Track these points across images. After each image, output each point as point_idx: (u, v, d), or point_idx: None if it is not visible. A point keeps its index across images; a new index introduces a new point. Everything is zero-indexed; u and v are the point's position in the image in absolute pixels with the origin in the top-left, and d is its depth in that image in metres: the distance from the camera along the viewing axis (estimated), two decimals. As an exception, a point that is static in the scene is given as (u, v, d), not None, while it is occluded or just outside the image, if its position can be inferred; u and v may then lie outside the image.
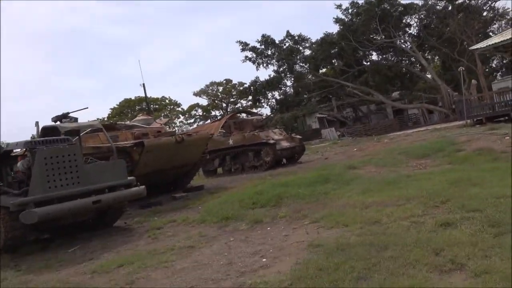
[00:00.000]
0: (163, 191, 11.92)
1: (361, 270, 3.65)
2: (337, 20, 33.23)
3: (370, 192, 7.57)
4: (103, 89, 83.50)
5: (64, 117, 8.13)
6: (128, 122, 13.18)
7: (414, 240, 4.20)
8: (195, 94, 62.87)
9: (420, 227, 4.73)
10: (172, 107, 62.72)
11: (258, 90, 34.37)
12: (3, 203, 6.55)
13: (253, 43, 32.56)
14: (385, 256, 3.90)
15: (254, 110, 46.71)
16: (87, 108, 8.31)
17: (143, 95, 46.62)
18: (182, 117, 62.80)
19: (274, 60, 32.82)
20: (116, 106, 58.87)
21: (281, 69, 33.47)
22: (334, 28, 34.02)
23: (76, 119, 8.51)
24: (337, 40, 32.85)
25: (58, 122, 8.15)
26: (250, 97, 38.33)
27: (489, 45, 11.17)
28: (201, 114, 63.16)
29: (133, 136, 11.04)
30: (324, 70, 36.91)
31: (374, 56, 36.10)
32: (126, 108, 57.94)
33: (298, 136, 16.34)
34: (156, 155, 10.28)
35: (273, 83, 33.64)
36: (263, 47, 32.26)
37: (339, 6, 33.18)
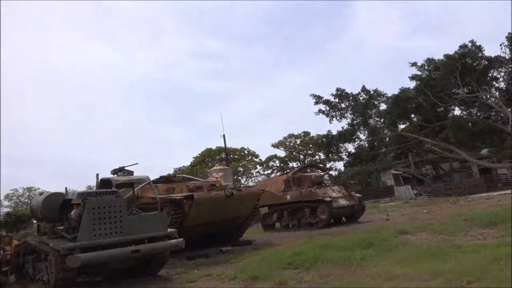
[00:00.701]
0: (216, 243, 12.31)
1: None
2: (413, 77, 32.51)
3: (407, 262, 7.17)
4: (191, 138, 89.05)
5: (120, 170, 9.05)
6: (185, 175, 13.98)
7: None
8: (274, 146, 64.10)
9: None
10: (250, 157, 64.49)
11: (330, 142, 34.24)
12: (56, 246, 7.39)
13: (327, 96, 33.05)
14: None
15: (328, 164, 46.34)
16: (137, 163, 8.94)
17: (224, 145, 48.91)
18: (259, 167, 63.92)
19: (348, 113, 32.78)
20: (198, 155, 62.10)
21: (355, 122, 33.19)
22: (411, 83, 33.06)
23: (132, 173, 9.42)
24: (414, 95, 31.93)
25: (114, 175, 9.10)
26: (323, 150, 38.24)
27: None
28: (278, 165, 63.89)
29: (188, 188, 11.75)
30: (402, 126, 35.78)
31: (457, 111, 34.29)
32: (207, 157, 60.80)
33: (358, 195, 15.89)
34: (205, 208, 10.80)
35: (346, 136, 33.37)
36: (337, 100, 32.50)
37: (414, 64, 32.55)
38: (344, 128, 33.64)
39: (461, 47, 31.07)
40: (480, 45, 30.85)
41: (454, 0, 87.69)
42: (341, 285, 6.08)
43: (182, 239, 8.34)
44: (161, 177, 12.36)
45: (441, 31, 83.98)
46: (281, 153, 62.75)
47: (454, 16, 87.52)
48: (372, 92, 32.50)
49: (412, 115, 34.98)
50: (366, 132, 35.07)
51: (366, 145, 34.97)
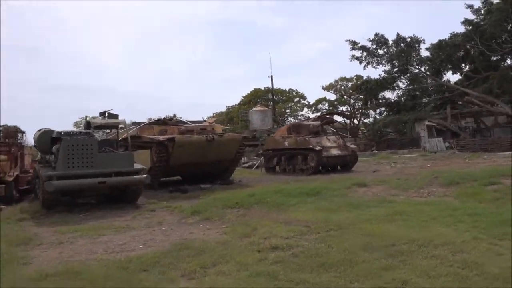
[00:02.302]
0: (207, 181, 13.84)
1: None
2: (466, 22, 30.23)
3: (322, 210, 8.08)
4: (251, 75, 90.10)
5: (103, 114, 10.54)
6: (181, 118, 15.32)
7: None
8: (324, 88, 63.35)
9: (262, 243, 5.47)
10: (298, 99, 64.47)
11: (369, 89, 33.62)
12: (42, 173, 9.21)
13: (364, 42, 31.99)
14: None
15: (368, 111, 45.32)
16: (112, 109, 10.32)
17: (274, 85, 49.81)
18: (306, 110, 63.63)
19: (384, 61, 31.69)
20: (248, 94, 63.17)
21: (395, 69, 32.11)
22: (456, 30, 30.83)
23: (117, 116, 10.89)
24: (461, 43, 29.97)
25: (99, 117, 10.64)
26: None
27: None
28: (327, 108, 63.42)
29: (179, 131, 13.12)
30: (449, 74, 33.95)
31: (509, 62, 31.75)
32: (255, 97, 61.80)
33: (353, 146, 16.42)
34: (187, 150, 12.17)
35: (384, 84, 32.56)
36: (374, 46, 31.41)
37: (470, 6, 30.11)
38: (382, 75, 32.77)
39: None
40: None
41: None
42: (245, 222, 7.23)
43: (146, 175, 9.82)
44: (158, 120, 13.83)
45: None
46: (332, 96, 61.87)
47: None
48: (408, 40, 30.87)
49: (460, 64, 33.03)
50: (407, 81, 33.89)
51: (405, 94, 33.89)
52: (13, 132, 12.86)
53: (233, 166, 14.16)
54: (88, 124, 10.24)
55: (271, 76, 56.95)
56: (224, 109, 63.23)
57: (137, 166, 9.95)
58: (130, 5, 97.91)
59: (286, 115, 61.87)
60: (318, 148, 15.11)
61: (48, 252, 5.99)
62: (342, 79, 59.52)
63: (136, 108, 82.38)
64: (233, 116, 57.27)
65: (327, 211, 7.91)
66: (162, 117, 15.12)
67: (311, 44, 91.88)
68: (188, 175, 13.61)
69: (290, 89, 63.70)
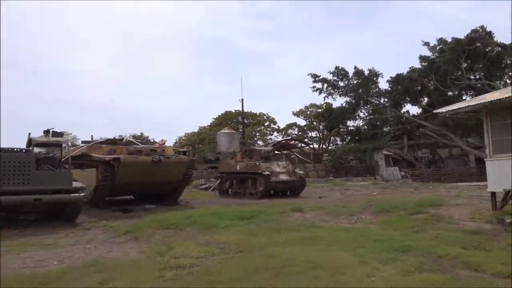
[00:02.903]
0: (155, 201, 14.08)
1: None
2: (422, 58, 32.05)
3: (248, 234, 8.48)
4: (232, 95, 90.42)
5: (47, 131, 10.74)
6: (130, 139, 15.61)
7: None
8: (294, 114, 64.53)
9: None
10: (268, 123, 65.40)
11: (331, 118, 34.80)
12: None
13: (325, 74, 33.44)
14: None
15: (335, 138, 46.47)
16: (53, 128, 10.53)
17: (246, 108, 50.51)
18: (276, 134, 64.44)
19: (345, 92, 33.12)
20: (219, 115, 63.55)
21: (354, 100, 33.45)
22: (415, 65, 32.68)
23: (61, 134, 11.10)
24: (417, 77, 31.63)
25: (45, 135, 10.83)
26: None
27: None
28: (296, 133, 64.38)
29: (128, 151, 13.38)
30: (407, 106, 35.57)
31: (465, 98, 33.58)
32: (225, 119, 62.27)
33: (301, 172, 17.06)
34: (132, 170, 12.43)
35: (345, 114, 33.84)
36: (335, 78, 32.79)
37: (426, 43, 31.99)
38: (343, 105, 34.03)
39: (473, 31, 30.18)
40: (490, 31, 29.91)
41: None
42: (168, 242, 7.55)
43: (83, 194, 10.03)
44: (108, 139, 14.06)
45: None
46: (302, 121, 62.92)
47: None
48: (367, 73, 32.44)
49: (418, 97, 34.69)
50: (368, 111, 35.28)
51: (366, 123, 35.23)
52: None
53: (181, 188, 14.46)
54: (29, 142, 10.41)
55: (242, 100, 57.72)
56: (196, 129, 63.40)
57: (76, 184, 10.14)
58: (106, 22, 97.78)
59: (255, 139, 62.51)
60: (266, 173, 15.63)
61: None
62: (312, 105, 60.84)
63: (117, 123, 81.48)
64: (204, 137, 57.53)
65: (250, 234, 8.31)
66: (120, 136, 15.39)
67: (287, 70, 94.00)
68: (136, 195, 13.81)
69: (261, 112, 64.52)
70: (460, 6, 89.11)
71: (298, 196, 16.66)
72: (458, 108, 10.21)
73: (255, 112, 64.70)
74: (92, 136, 14.57)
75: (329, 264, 5.67)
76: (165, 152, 14.19)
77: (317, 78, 32.68)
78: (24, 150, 9.72)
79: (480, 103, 10.01)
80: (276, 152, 34.47)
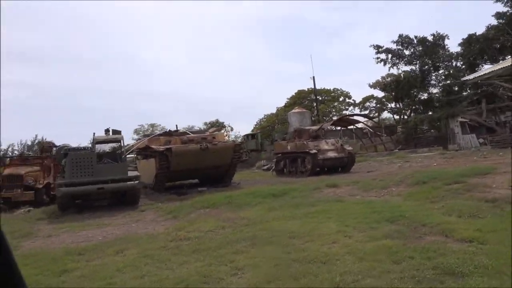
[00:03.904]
0: (214, 183, 15.64)
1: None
2: (497, 15, 29.31)
3: (270, 210, 9.42)
4: (306, 73, 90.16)
5: (107, 130, 12.67)
6: (186, 130, 17.14)
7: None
8: (371, 86, 62.77)
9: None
10: (343, 98, 64.30)
11: (400, 88, 33.54)
12: (56, 181, 11.48)
13: (388, 44, 32.10)
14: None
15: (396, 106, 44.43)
16: (121, 131, 12.37)
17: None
18: (353, 108, 62.98)
19: (412, 60, 31.54)
20: (293, 95, 64.20)
21: (425, 67, 31.80)
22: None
23: (119, 132, 12.98)
24: (494, 35, 29.06)
25: (106, 133, 12.79)
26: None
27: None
28: (374, 105, 62.42)
29: (181, 141, 14.99)
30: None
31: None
32: (298, 98, 62.66)
33: (349, 148, 17.27)
34: (183, 158, 13.99)
35: (413, 82, 32.40)
36: (399, 47, 31.39)
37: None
38: (413, 74, 32.52)
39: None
40: None
41: None
42: (196, 219, 8.83)
43: (137, 181, 11.75)
44: (165, 132, 15.82)
45: None
46: (380, 93, 60.93)
47: None
48: (432, 38, 30.42)
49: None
50: (443, 76, 33.31)
51: (441, 90, 33.32)
52: (47, 147, 15.52)
53: (232, 170, 15.75)
54: (94, 139, 12.42)
55: (313, 77, 57.66)
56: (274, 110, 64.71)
57: (131, 173, 11.92)
58: (176, 9, 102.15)
59: (331, 115, 62.00)
60: (313, 151, 16.24)
61: (36, 243, 8.01)
62: (390, 75, 58.43)
63: (195, 110, 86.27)
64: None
65: (270, 210, 9.25)
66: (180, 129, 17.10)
67: (360, 41, 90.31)
68: (200, 178, 15.47)
69: (334, 88, 63.64)
70: None
71: (349, 171, 17.01)
72: (485, 73, 9.82)
73: (328, 89, 63.96)
74: (176, 125, 16.28)
75: (309, 234, 6.41)
76: (215, 139, 15.54)
77: (380, 49, 31.67)
78: (88, 148, 11.68)
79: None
80: (341, 128, 34.45)
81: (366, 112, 62.01)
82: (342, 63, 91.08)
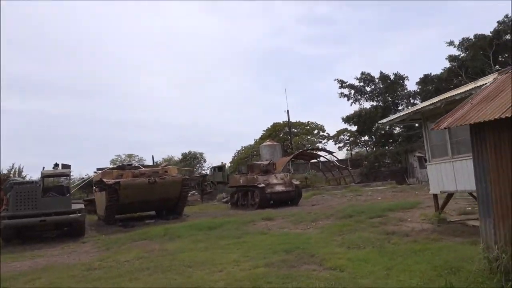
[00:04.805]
0: (166, 214, 16.25)
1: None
2: (450, 57, 31.47)
3: (197, 242, 10.14)
4: (296, 105, 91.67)
5: (56, 165, 13.33)
6: (138, 164, 17.88)
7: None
8: (343, 120, 64.52)
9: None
10: (317, 131, 65.81)
11: (362, 121, 35.09)
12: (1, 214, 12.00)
13: (351, 80, 33.90)
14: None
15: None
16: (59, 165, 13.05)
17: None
18: (327, 141, 64.17)
19: (373, 96, 33.29)
20: (268, 128, 65.39)
21: (382, 104, 33.53)
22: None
23: (68, 166, 13.65)
24: (447, 76, 31.04)
25: (54, 167, 13.44)
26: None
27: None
28: (348, 138, 63.87)
29: (133, 175, 15.68)
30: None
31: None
32: (274, 131, 63.93)
33: (297, 182, 18.21)
34: (132, 191, 14.67)
35: (374, 117, 34.02)
36: (361, 84, 33.18)
37: (451, 43, 31.38)
38: (373, 109, 34.19)
39: (498, 23, 29.13)
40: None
41: None
42: (122, 250, 9.47)
43: (80, 214, 12.35)
44: (118, 166, 16.53)
45: None
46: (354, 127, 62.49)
47: None
48: (392, 76, 32.38)
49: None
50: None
51: (397, 127, 34.95)
52: (2, 180, 16.00)
53: (181, 203, 16.42)
54: (42, 173, 13.05)
55: (287, 111, 59.46)
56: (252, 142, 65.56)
57: (75, 206, 12.53)
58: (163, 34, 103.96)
59: (304, 148, 63.23)
60: (261, 185, 17.10)
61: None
62: (363, 109, 60.34)
63: (184, 140, 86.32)
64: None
65: (195, 242, 9.98)
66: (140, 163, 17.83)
67: (339, 75, 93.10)
68: (142, 210, 16.08)
69: (309, 121, 65.20)
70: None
71: (296, 204, 17.85)
72: (394, 118, 10.99)
73: (303, 122, 65.48)
74: (152, 156, 17.04)
75: (207, 263, 7.18)
76: (168, 173, 16.29)
77: (343, 84, 33.34)
78: (32, 182, 12.30)
79: (415, 110, 10.83)
80: (309, 161, 35.57)
81: (341, 145, 63.92)
82: (321, 96, 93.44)
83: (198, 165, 51.85)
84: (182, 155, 50.27)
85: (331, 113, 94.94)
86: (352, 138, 61.31)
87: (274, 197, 17.50)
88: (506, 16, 28.56)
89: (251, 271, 6.37)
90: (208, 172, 37.95)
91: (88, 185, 20.46)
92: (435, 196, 10.94)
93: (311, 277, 5.82)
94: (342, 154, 57.69)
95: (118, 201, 14.80)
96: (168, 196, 15.58)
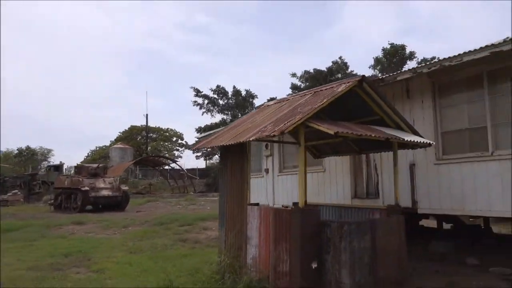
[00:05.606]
0: None
1: None
2: (292, 87, 35.13)
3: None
4: (167, 109, 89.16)
5: None
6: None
7: None
8: (197, 130, 65.77)
9: None
10: (175, 139, 65.94)
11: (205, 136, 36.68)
12: None
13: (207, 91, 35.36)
14: None
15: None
16: None
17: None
18: (183, 149, 64.86)
19: (224, 110, 35.17)
20: (125, 130, 63.08)
21: (234, 118, 35.62)
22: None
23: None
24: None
25: None
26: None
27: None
28: (206, 149, 64.69)
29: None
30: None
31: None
32: (131, 134, 62.02)
33: (125, 188, 18.29)
34: None
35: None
36: (215, 96, 34.78)
37: (293, 74, 35.07)
38: (222, 123, 36.04)
39: (332, 62, 33.82)
40: (346, 62, 33.80)
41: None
42: None
43: None
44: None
45: (432, 34, 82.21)
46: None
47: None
48: (244, 93, 34.88)
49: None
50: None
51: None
52: None
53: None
54: None
55: (146, 115, 58.70)
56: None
57: None
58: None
59: (161, 154, 62.83)
60: (85, 188, 16.65)
61: None
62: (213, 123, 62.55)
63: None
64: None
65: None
66: None
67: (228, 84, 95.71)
68: None
69: (168, 128, 65.13)
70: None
71: (124, 210, 17.81)
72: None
73: (162, 127, 65.07)
74: None
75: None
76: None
77: (198, 93, 34.41)
78: None
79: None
80: (159, 168, 35.60)
81: (199, 154, 65.15)
82: (187, 105, 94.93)
83: (39, 163, 47.07)
84: (18, 150, 45.04)
85: (194, 122, 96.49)
86: (209, 149, 62.81)
87: (99, 201, 17.20)
88: (340, 57, 33.40)
89: (8, 274, 6.38)
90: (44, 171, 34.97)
91: None
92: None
93: (66, 279, 6.13)
94: (202, 164, 58.97)
95: None
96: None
